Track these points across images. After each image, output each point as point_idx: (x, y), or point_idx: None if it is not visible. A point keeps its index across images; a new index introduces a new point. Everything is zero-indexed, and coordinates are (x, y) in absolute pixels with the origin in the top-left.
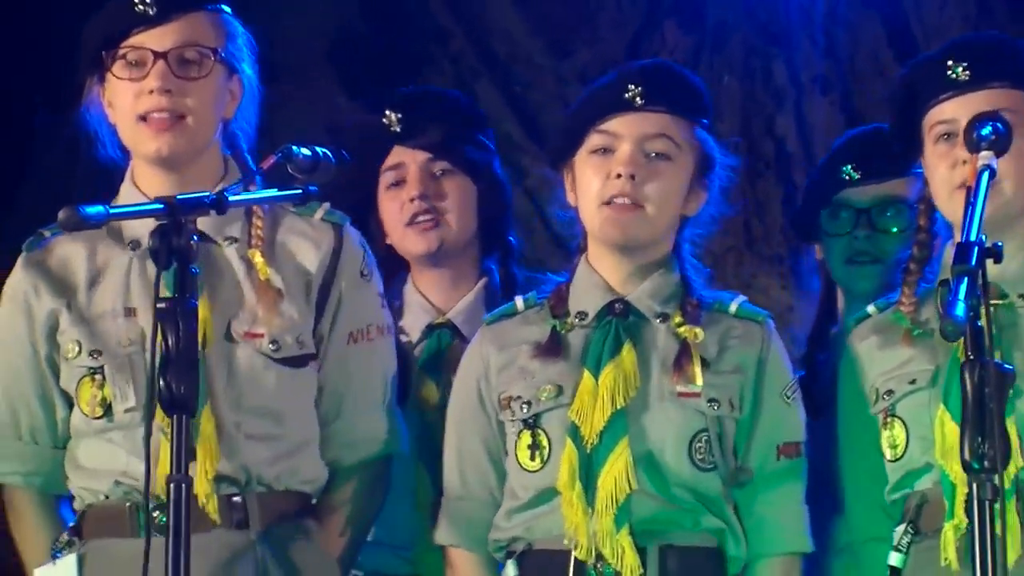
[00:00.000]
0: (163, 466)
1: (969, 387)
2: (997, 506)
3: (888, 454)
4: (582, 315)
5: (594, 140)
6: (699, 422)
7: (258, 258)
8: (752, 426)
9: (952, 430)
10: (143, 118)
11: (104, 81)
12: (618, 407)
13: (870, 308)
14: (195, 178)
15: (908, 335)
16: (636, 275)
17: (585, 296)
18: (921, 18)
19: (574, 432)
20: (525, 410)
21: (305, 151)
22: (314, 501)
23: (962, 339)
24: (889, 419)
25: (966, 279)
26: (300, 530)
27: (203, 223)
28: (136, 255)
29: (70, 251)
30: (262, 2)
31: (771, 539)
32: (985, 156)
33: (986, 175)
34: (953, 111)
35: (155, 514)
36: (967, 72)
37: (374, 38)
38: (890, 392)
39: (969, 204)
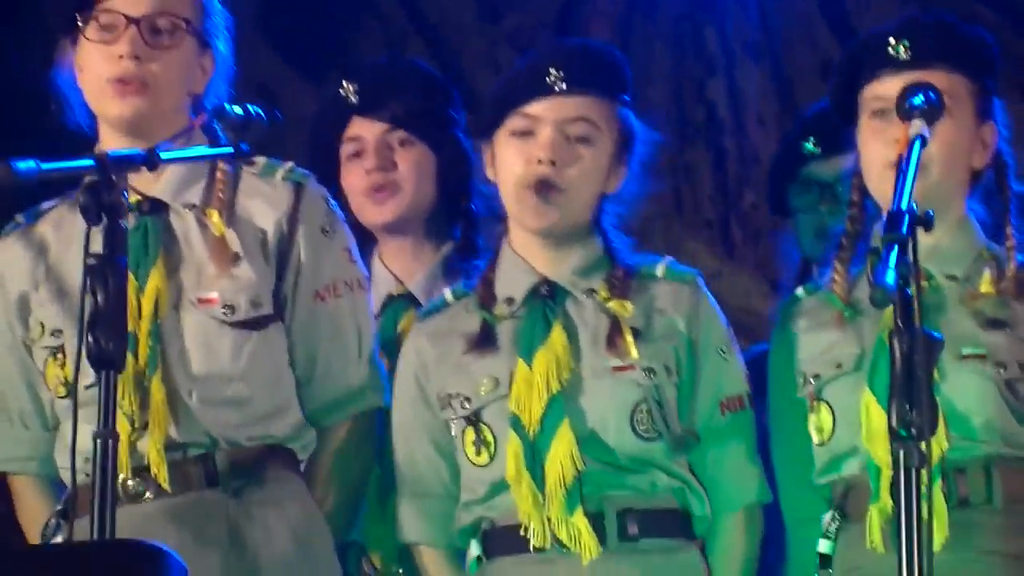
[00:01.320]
0: (124, 440)
1: (898, 355)
2: (924, 489)
3: (815, 438)
4: (510, 301)
5: (515, 122)
6: (637, 394)
7: (215, 217)
8: (693, 386)
9: (877, 414)
10: (110, 82)
11: (76, 44)
12: (554, 391)
13: (799, 291)
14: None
15: (840, 316)
16: (559, 253)
17: (510, 281)
18: None
19: (516, 423)
20: (467, 406)
21: (237, 109)
22: (301, 460)
23: (889, 313)
24: (816, 403)
25: (896, 247)
26: (280, 484)
27: (162, 190)
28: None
29: (40, 233)
30: None
31: (726, 496)
32: (917, 125)
33: (918, 144)
34: (890, 88)
35: (130, 483)
36: (908, 51)
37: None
38: (816, 376)
39: (901, 172)
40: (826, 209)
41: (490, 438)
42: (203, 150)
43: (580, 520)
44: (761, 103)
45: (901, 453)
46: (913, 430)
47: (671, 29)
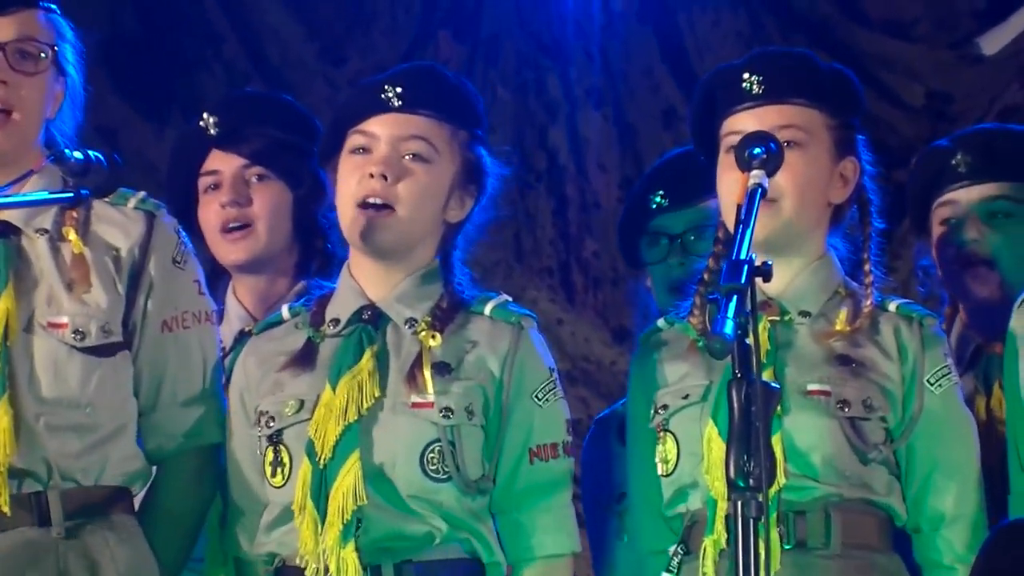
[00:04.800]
0: None
1: (736, 405)
2: (761, 524)
3: (660, 469)
4: (335, 322)
5: (353, 140)
6: (431, 433)
7: (72, 235)
8: (500, 431)
9: (719, 446)
10: None
11: None
12: (351, 420)
13: (660, 322)
14: (16, 174)
15: (693, 345)
16: (389, 278)
17: (341, 302)
18: (695, 34)
19: (310, 448)
20: (270, 425)
21: (77, 154)
22: (135, 493)
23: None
24: (663, 434)
25: (736, 297)
26: (112, 527)
27: (12, 215)
28: None
29: None
30: None
31: (531, 544)
32: (756, 175)
33: (757, 194)
34: (745, 123)
35: None
36: (762, 86)
37: (147, 39)
38: (665, 407)
39: (740, 222)
40: (675, 261)
41: (286, 460)
42: (43, 195)
43: (350, 554)
44: (603, 150)
45: (739, 504)
46: (751, 480)
47: (513, 76)
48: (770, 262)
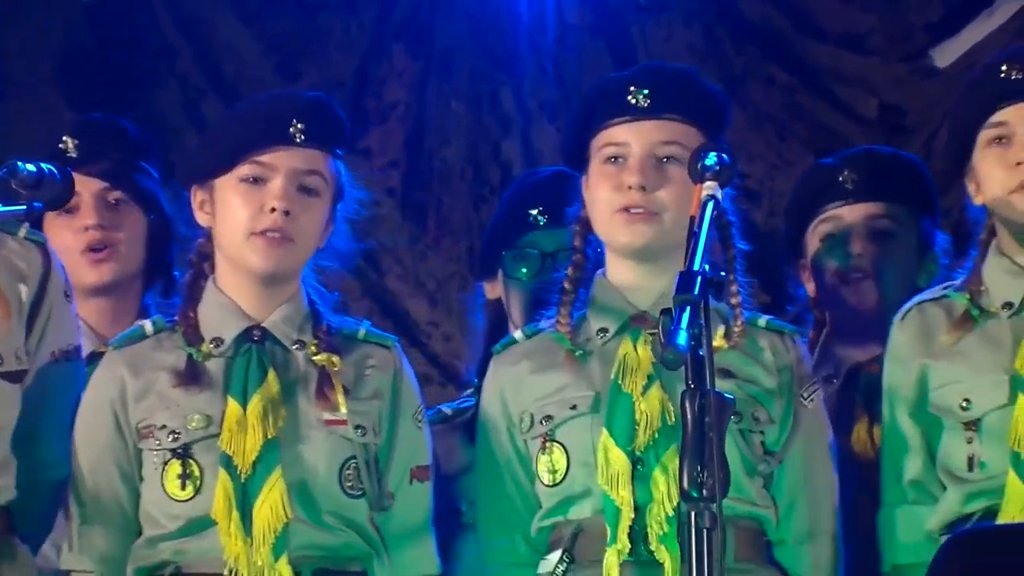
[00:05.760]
0: None
1: (689, 416)
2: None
3: (546, 479)
4: (218, 341)
5: (247, 169)
6: (348, 449)
7: None
8: (390, 451)
9: (617, 456)
10: None
11: None
12: (269, 436)
13: (516, 334)
14: None
15: (570, 356)
16: (269, 301)
17: (218, 321)
18: (648, 47)
19: (227, 462)
20: (174, 439)
21: (30, 167)
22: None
23: (621, 356)
24: (549, 444)
25: (689, 308)
26: (8, 548)
27: None
28: None
29: None
30: None
31: (405, 564)
32: (710, 186)
33: (711, 205)
34: (625, 135)
35: None
36: (648, 100)
37: (102, 54)
38: (549, 417)
39: (693, 233)
40: (547, 279)
41: (197, 473)
42: None
43: (284, 567)
44: (556, 163)
45: (692, 514)
46: (704, 491)
47: (467, 89)
48: (725, 272)
